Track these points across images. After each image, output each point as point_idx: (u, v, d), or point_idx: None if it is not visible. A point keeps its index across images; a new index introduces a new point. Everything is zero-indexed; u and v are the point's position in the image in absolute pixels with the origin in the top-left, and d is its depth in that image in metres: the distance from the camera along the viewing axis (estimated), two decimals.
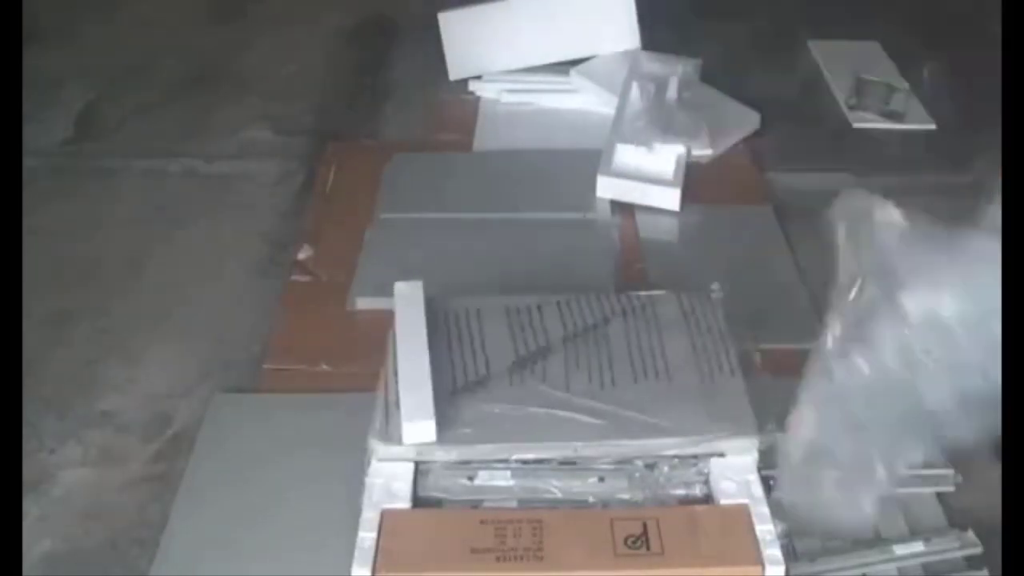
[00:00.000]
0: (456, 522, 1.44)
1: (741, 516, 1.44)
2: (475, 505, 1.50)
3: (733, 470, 1.50)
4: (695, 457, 1.52)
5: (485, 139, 2.74)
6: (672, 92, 2.58)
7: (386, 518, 1.45)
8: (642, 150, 2.44)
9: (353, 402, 1.77)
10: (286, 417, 1.83)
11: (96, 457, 1.77)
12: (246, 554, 1.57)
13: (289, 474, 1.70)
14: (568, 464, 1.53)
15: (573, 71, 2.91)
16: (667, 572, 1.37)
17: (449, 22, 2.97)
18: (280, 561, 1.55)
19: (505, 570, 1.36)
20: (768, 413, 1.57)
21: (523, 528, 1.40)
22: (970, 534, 1.56)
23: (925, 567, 1.53)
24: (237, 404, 1.86)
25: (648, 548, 1.38)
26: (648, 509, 1.45)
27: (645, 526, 1.41)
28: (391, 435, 1.51)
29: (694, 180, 2.43)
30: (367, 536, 1.41)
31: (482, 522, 1.42)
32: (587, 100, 2.84)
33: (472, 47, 2.96)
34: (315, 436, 1.77)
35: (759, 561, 1.38)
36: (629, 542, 1.39)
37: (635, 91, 2.65)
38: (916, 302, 1.38)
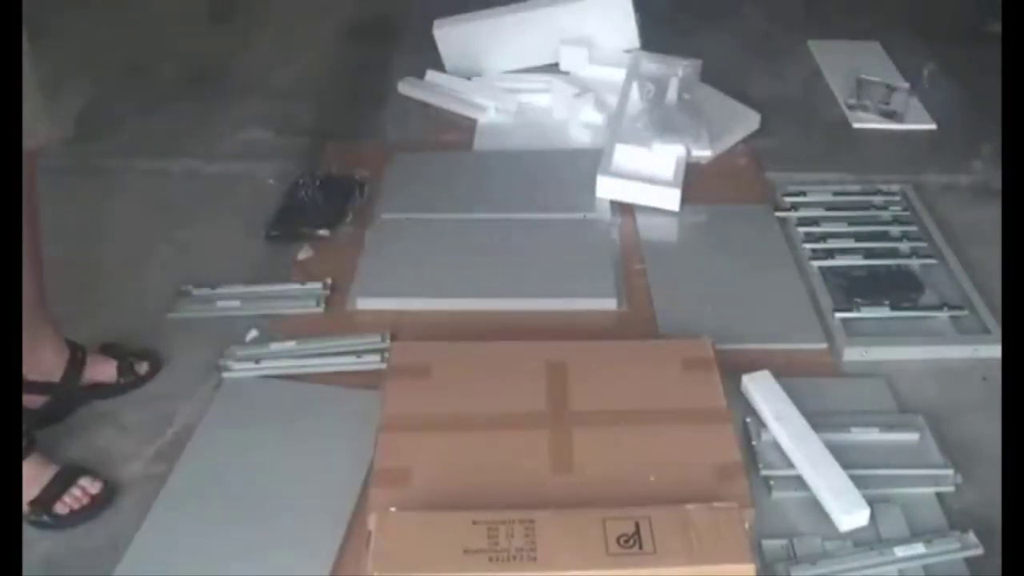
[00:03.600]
0: (449, 523, 1.44)
1: (732, 515, 1.44)
2: None
3: None
4: None
5: (485, 139, 2.74)
6: (672, 93, 2.58)
7: (380, 519, 1.45)
8: (642, 150, 2.44)
9: (353, 396, 1.83)
10: (287, 403, 1.86)
11: (96, 457, 1.76)
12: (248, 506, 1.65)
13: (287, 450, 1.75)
14: None
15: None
16: (660, 571, 1.37)
17: (444, 32, 2.97)
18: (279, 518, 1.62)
19: (498, 570, 1.37)
20: None
21: (515, 528, 1.40)
22: (971, 535, 1.56)
23: (926, 568, 1.53)
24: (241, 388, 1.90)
25: (640, 547, 1.39)
26: (640, 508, 1.45)
27: (637, 525, 1.41)
28: None
29: (694, 180, 2.43)
30: None
31: (474, 523, 1.42)
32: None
33: (468, 54, 2.96)
34: (313, 422, 1.81)
35: (751, 560, 1.39)
36: (622, 541, 1.39)
37: (635, 91, 2.65)
38: None
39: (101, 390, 1.87)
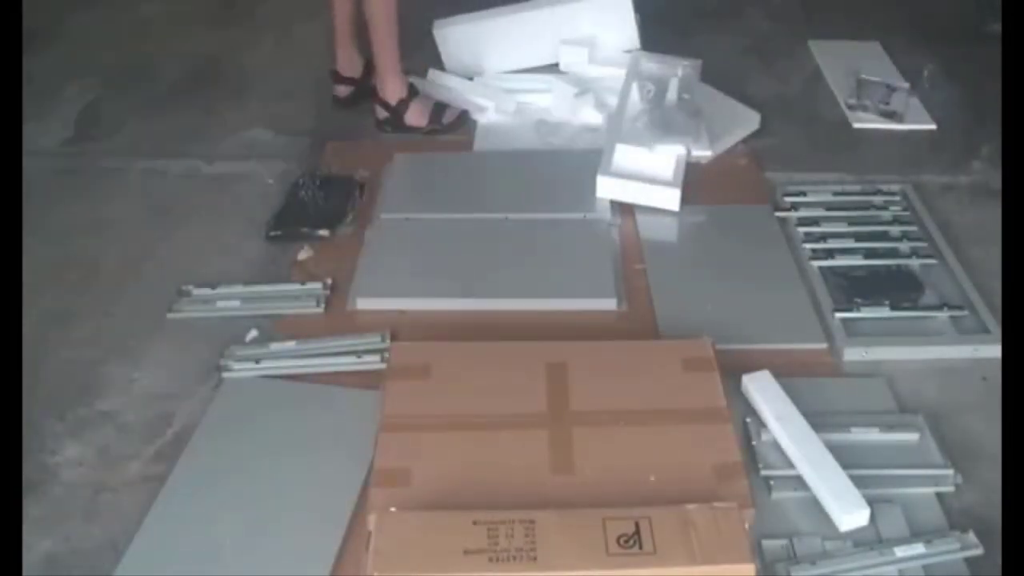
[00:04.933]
0: (449, 523, 1.44)
1: (732, 516, 1.44)
2: None
3: None
4: None
5: (485, 139, 2.74)
6: (672, 93, 2.58)
7: (380, 519, 1.45)
8: (642, 150, 2.43)
9: (353, 396, 1.84)
10: (287, 403, 1.86)
11: (96, 457, 1.77)
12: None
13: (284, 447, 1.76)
14: None
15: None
16: (660, 571, 1.37)
17: (444, 32, 2.97)
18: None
19: (498, 571, 1.37)
20: None
21: (515, 529, 1.40)
22: (971, 535, 1.56)
23: (926, 568, 1.53)
24: (241, 388, 1.89)
25: (640, 547, 1.39)
26: (640, 508, 1.45)
27: (637, 525, 1.41)
28: None
29: (694, 180, 2.43)
30: None
31: (475, 523, 1.42)
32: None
33: (468, 54, 2.96)
34: (313, 422, 1.82)
35: (751, 559, 1.39)
36: (622, 541, 1.39)
37: (635, 91, 2.65)
38: None
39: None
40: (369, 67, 2.76)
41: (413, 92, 2.69)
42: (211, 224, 2.38)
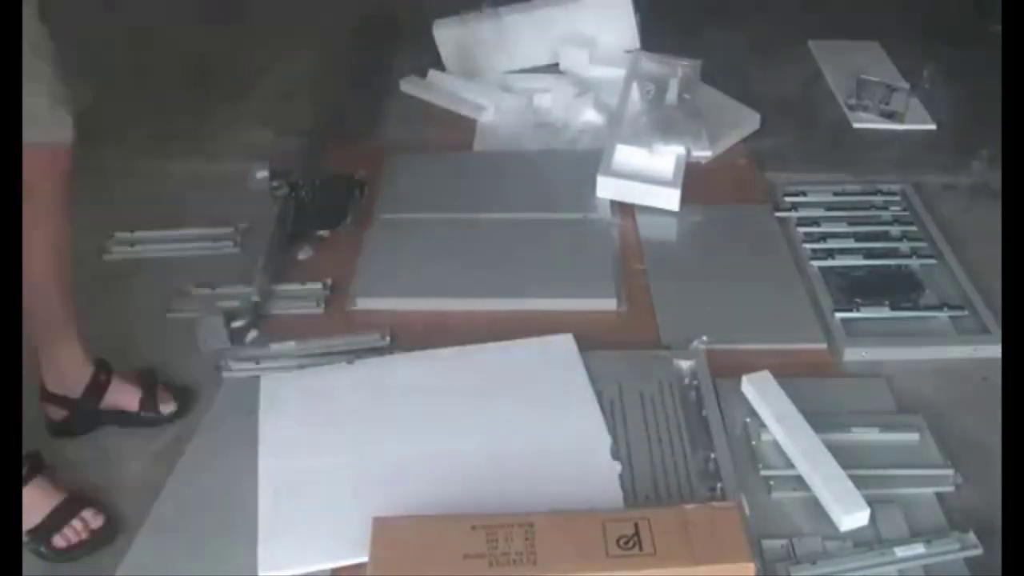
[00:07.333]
0: (448, 528, 1.44)
1: (731, 515, 1.44)
2: None
3: None
4: None
5: (485, 139, 2.74)
6: (672, 93, 2.58)
7: (378, 524, 1.45)
8: (642, 151, 2.43)
9: None
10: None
11: (97, 456, 1.77)
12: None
13: None
14: None
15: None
16: (660, 572, 1.37)
17: (444, 32, 2.97)
18: None
19: (498, 574, 1.36)
20: None
21: (514, 532, 1.40)
22: (971, 535, 1.56)
23: (926, 568, 1.53)
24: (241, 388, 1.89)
25: (640, 548, 1.39)
26: (639, 510, 1.45)
27: (637, 527, 1.41)
28: None
29: (694, 180, 2.42)
30: None
31: (473, 528, 1.42)
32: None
33: (469, 54, 2.96)
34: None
35: (750, 559, 1.39)
36: (621, 543, 1.39)
37: (635, 92, 2.65)
38: None
39: (123, 417, 1.80)
40: (95, 383, 1.80)
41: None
42: (211, 224, 2.38)
